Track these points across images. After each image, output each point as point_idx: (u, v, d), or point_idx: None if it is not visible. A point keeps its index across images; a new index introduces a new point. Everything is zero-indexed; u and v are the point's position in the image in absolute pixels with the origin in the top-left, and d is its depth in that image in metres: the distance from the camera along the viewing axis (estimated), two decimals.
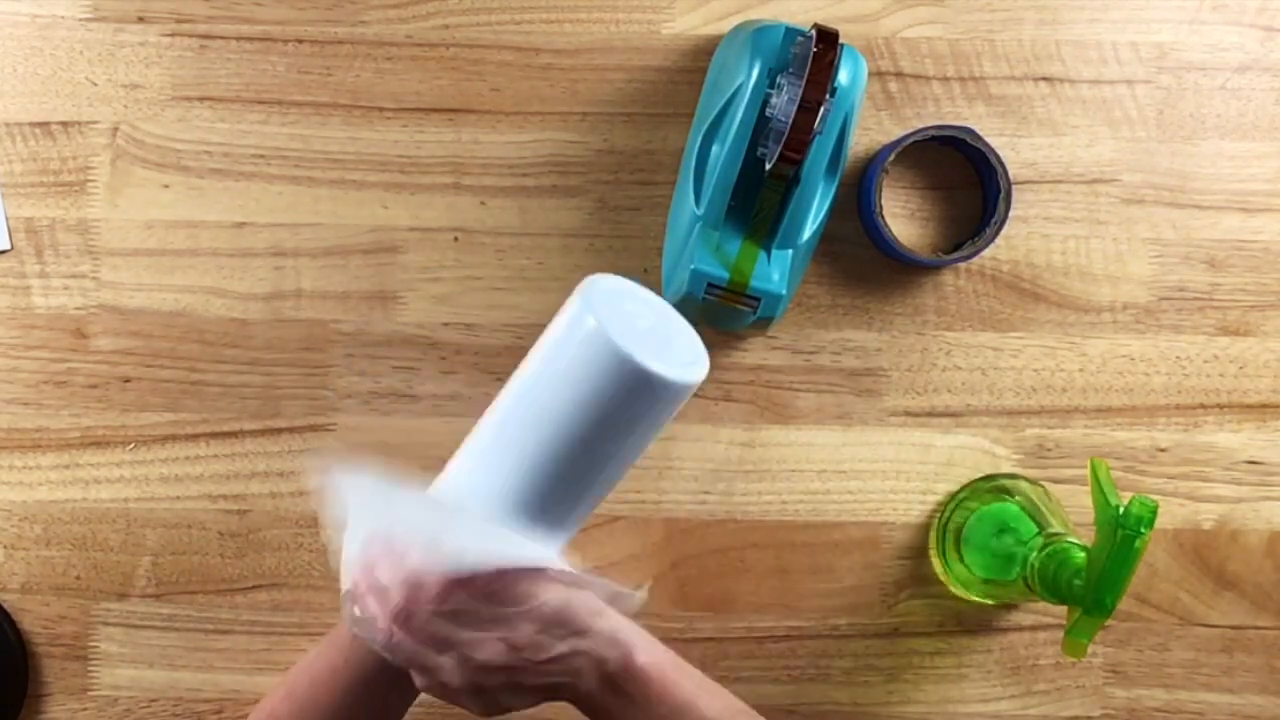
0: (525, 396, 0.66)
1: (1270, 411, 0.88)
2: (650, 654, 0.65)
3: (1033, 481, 0.87)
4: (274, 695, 0.72)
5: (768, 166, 0.76)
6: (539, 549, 0.65)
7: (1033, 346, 0.88)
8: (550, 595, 0.63)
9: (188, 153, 0.87)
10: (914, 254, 0.85)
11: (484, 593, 0.63)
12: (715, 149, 0.80)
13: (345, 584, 0.66)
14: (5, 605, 0.87)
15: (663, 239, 0.87)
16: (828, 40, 0.73)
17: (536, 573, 0.64)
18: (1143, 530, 0.70)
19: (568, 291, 0.87)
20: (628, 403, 0.63)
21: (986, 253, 0.86)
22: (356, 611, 0.64)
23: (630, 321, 0.65)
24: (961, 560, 0.85)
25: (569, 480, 0.65)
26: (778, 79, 0.75)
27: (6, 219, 0.87)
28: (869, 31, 0.88)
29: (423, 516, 0.65)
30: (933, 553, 0.87)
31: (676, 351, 0.66)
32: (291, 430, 0.87)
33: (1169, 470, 0.88)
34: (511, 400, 0.66)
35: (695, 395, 0.68)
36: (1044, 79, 0.88)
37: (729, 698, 0.68)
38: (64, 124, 0.87)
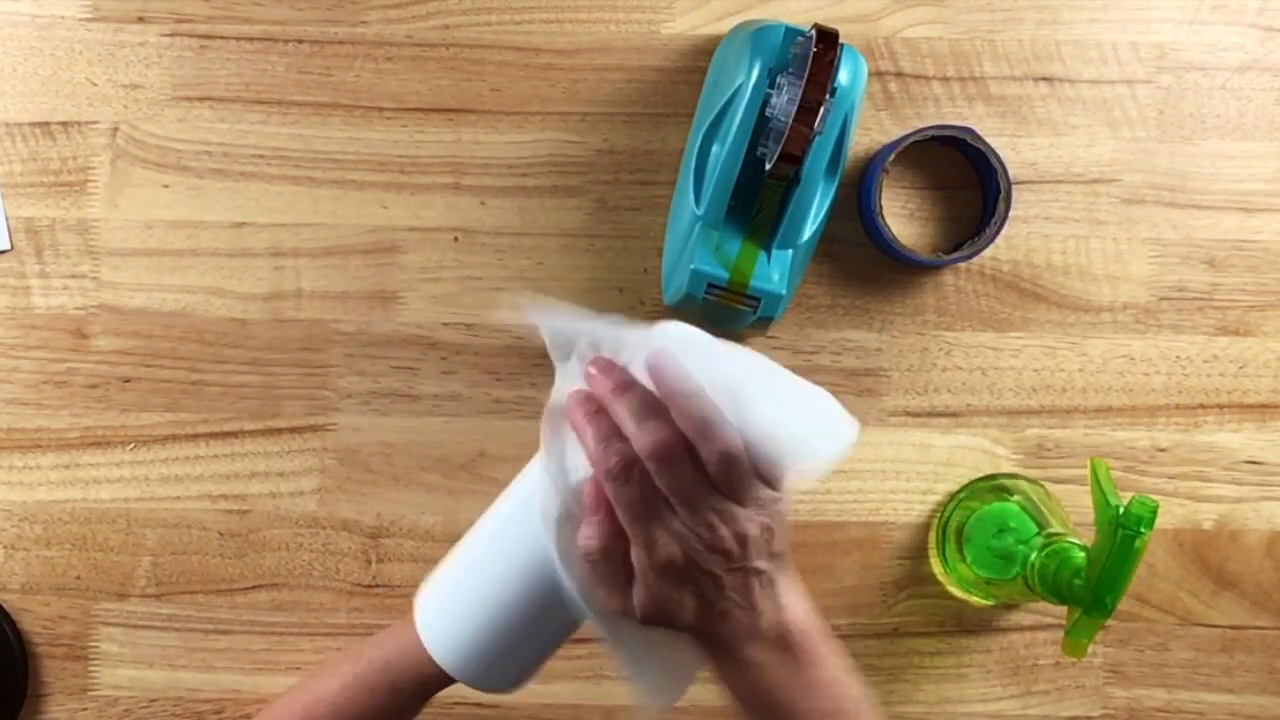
0: (489, 551, 0.65)
1: (1270, 411, 0.88)
2: (811, 615, 0.61)
3: (1033, 481, 0.87)
4: (288, 709, 0.70)
5: (768, 166, 0.76)
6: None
7: (1033, 346, 0.88)
8: (784, 500, 0.59)
9: (188, 153, 0.87)
10: (914, 254, 0.85)
11: (744, 473, 0.58)
12: (715, 149, 0.80)
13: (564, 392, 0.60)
14: (5, 605, 0.87)
15: (663, 239, 0.87)
16: (828, 40, 0.73)
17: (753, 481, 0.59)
18: (1143, 530, 0.70)
19: (568, 291, 0.88)
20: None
21: (986, 253, 0.86)
22: (581, 433, 0.58)
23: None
24: (962, 560, 0.85)
25: (519, 640, 0.64)
26: (778, 79, 0.75)
27: (6, 219, 0.87)
28: (869, 31, 0.88)
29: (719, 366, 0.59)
30: (933, 553, 0.87)
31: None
32: (291, 430, 0.87)
33: (1169, 470, 0.88)
34: (480, 548, 0.65)
35: None
36: (1044, 79, 0.88)
37: (863, 685, 0.64)
38: (64, 124, 0.87)
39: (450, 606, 0.66)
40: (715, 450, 0.57)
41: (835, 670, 0.61)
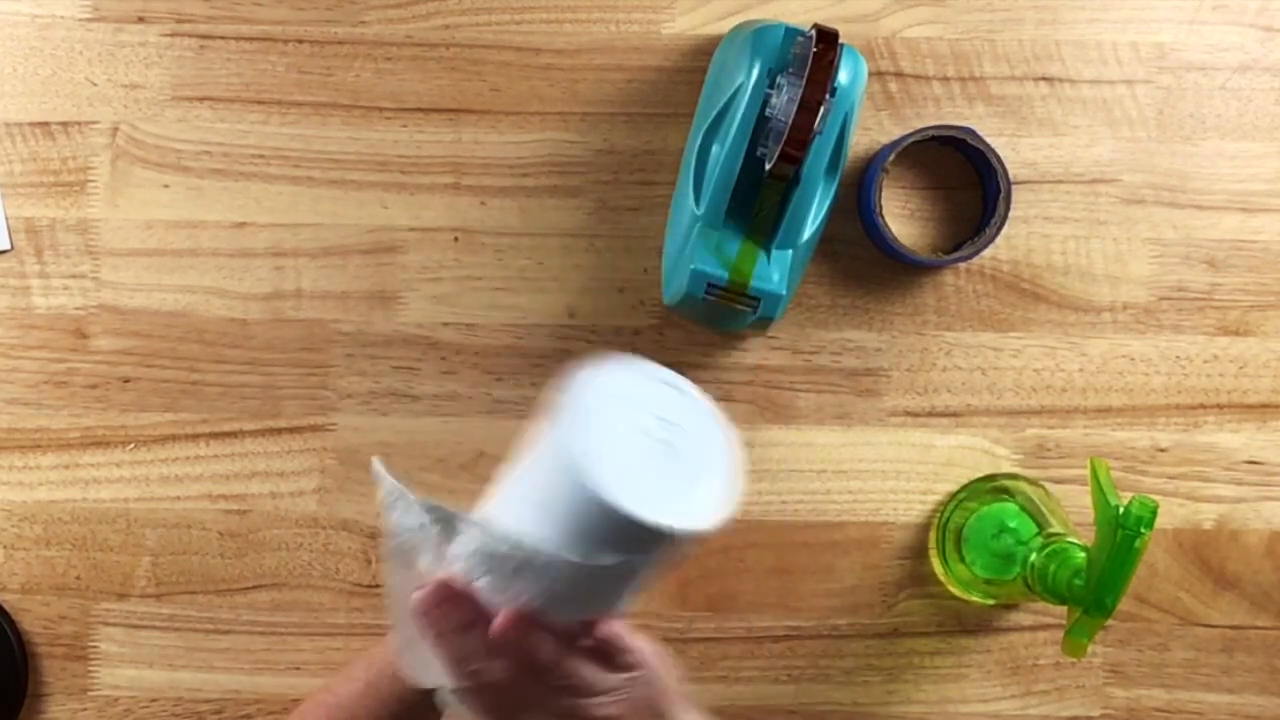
0: (509, 503, 0.56)
1: (1270, 411, 0.88)
2: None
3: (1033, 481, 0.87)
4: (313, 712, 0.70)
5: (768, 166, 0.76)
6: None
7: (1033, 346, 0.88)
8: (650, 670, 0.59)
9: (188, 153, 0.87)
10: (914, 254, 0.85)
11: (597, 651, 0.57)
12: (715, 149, 0.80)
13: (402, 605, 0.57)
14: (5, 605, 0.87)
15: (663, 239, 0.87)
16: (828, 40, 0.73)
17: (631, 644, 0.59)
18: (1143, 530, 0.70)
19: (568, 291, 0.88)
20: (603, 544, 0.51)
21: (986, 253, 0.86)
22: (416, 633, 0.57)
23: (627, 438, 0.52)
24: (961, 560, 0.85)
25: (565, 594, 0.55)
26: (778, 79, 0.75)
27: (6, 219, 0.87)
28: (869, 31, 0.88)
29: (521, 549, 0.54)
30: (933, 553, 0.87)
31: (686, 483, 0.53)
32: (291, 430, 0.87)
33: (1169, 470, 0.88)
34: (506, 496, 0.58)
35: None
36: (1044, 79, 0.88)
37: None
38: (64, 124, 0.87)
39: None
40: (537, 640, 0.55)
41: None
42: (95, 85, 0.87)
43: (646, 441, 0.52)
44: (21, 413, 0.87)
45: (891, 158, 0.85)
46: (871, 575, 0.88)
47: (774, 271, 0.80)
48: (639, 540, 0.51)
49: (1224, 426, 0.88)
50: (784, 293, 0.80)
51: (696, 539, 0.51)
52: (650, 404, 0.54)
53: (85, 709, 0.87)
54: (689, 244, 0.80)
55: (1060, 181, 0.88)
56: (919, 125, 0.86)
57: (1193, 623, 0.88)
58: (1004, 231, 0.85)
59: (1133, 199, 0.88)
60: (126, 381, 0.87)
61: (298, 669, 0.87)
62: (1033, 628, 0.88)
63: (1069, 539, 0.77)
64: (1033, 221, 0.88)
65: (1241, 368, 0.88)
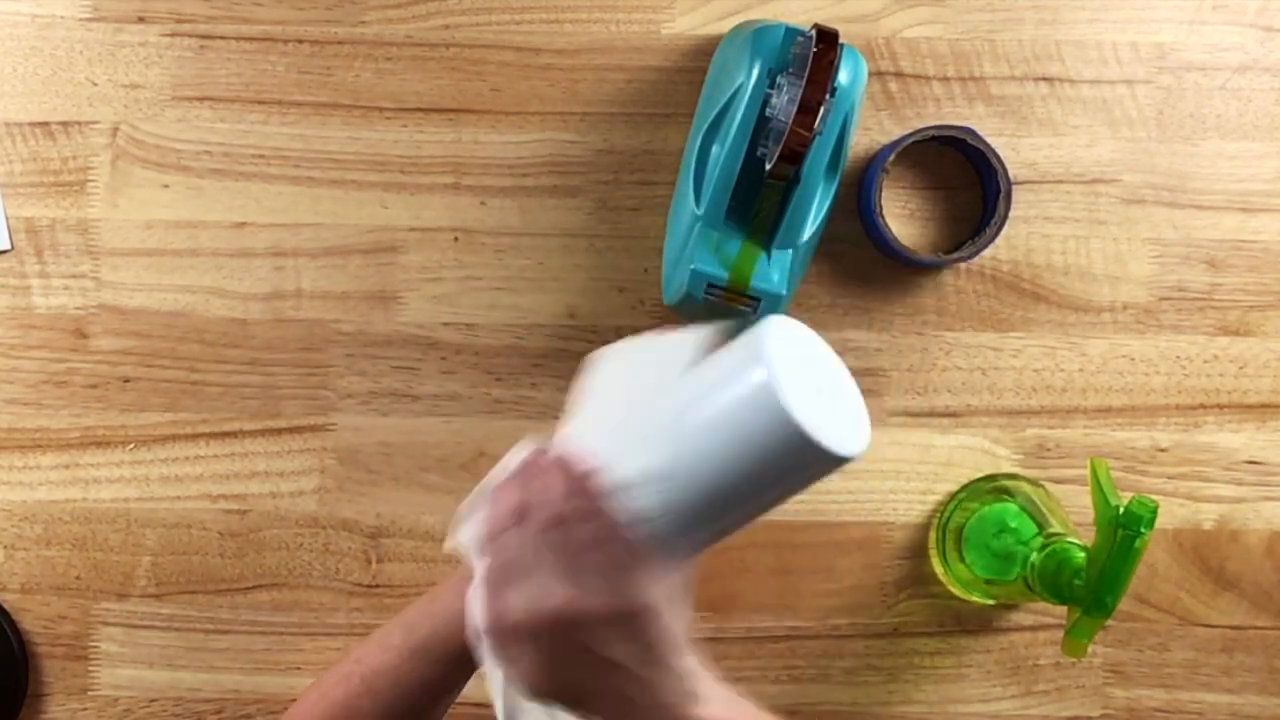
0: (676, 428, 0.59)
1: (1270, 411, 0.88)
2: (724, 714, 0.59)
3: (1033, 481, 0.87)
4: (344, 685, 0.69)
5: (768, 166, 0.76)
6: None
7: (1033, 346, 0.88)
8: (643, 592, 0.57)
9: (188, 153, 0.87)
10: (914, 254, 0.85)
11: (592, 542, 0.56)
12: (715, 149, 0.80)
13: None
14: (5, 605, 0.87)
15: (663, 239, 0.87)
16: (828, 40, 0.73)
17: (644, 559, 0.57)
18: (1143, 530, 0.70)
19: (568, 291, 0.88)
20: (784, 467, 0.57)
21: (986, 253, 0.86)
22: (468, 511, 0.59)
23: (802, 379, 0.58)
24: (961, 560, 0.85)
25: (701, 516, 0.59)
26: (778, 79, 0.75)
27: (6, 219, 0.87)
28: (869, 31, 0.88)
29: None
30: (933, 553, 0.87)
31: (843, 418, 0.59)
32: (291, 430, 0.87)
33: (1169, 470, 0.88)
34: (665, 413, 0.60)
35: None
36: (1044, 79, 0.88)
37: None
38: (64, 124, 0.87)
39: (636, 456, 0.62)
40: (583, 530, 0.56)
41: None
42: (95, 85, 0.87)
43: (810, 382, 0.59)
44: (21, 413, 0.87)
45: (891, 158, 0.85)
46: (871, 575, 0.88)
47: (774, 272, 0.80)
48: (808, 465, 0.57)
49: (1224, 426, 0.88)
50: (784, 293, 0.80)
51: (844, 463, 0.57)
52: (807, 353, 0.62)
53: (85, 709, 0.87)
54: (689, 244, 0.80)
55: (1060, 181, 0.88)
56: (919, 125, 0.86)
57: (1193, 623, 0.88)
58: (1004, 231, 0.85)
59: (1133, 199, 0.88)
60: (126, 381, 0.87)
61: (298, 669, 0.87)
62: (1033, 628, 0.88)
63: (1069, 539, 0.77)
64: (1033, 221, 0.88)
65: (1241, 368, 0.88)
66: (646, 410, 0.60)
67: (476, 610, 0.60)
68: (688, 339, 0.61)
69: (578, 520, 0.57)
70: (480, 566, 0.59)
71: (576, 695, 0.58)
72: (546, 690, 0.58)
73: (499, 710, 0.62)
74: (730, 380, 0.58)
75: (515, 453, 0.61)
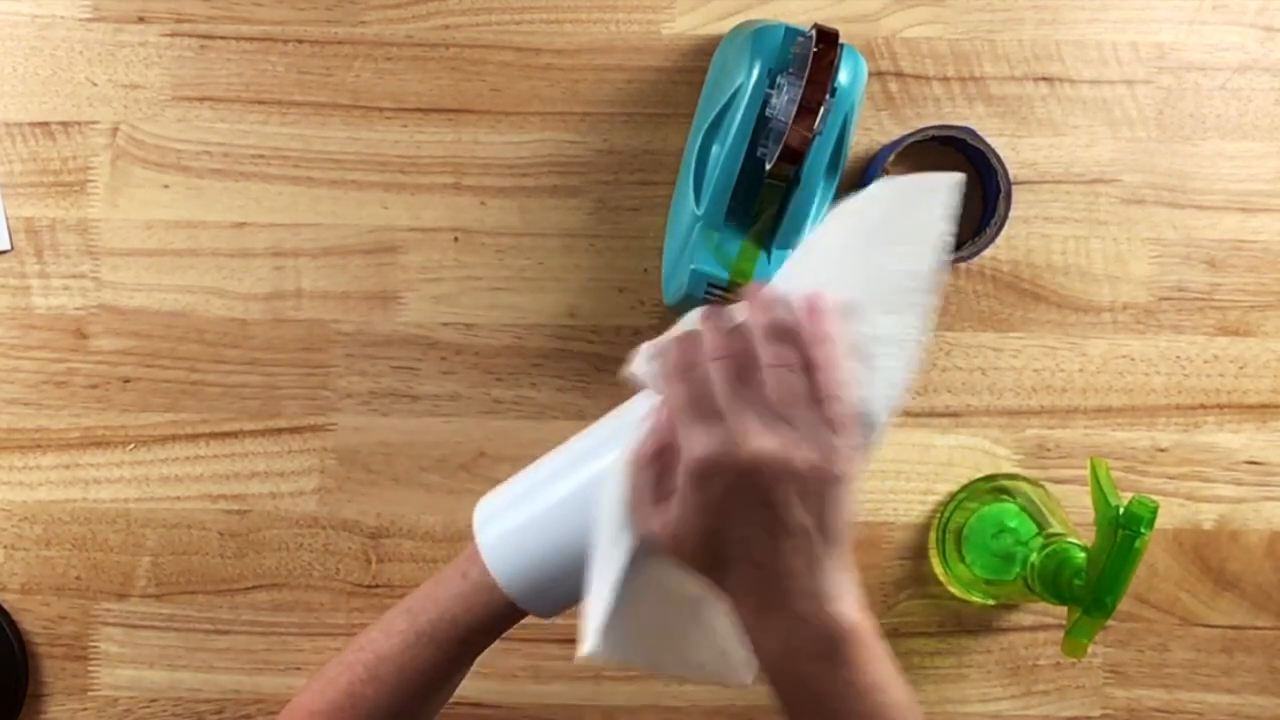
0: (908, 297, 0.56)
1: (1270, 411, 0.88)
2: (862, 619, 0.55)
3: (1033, 481, 0.87)
4: (348, 674, 0.68)
5: (768, 166, 0.76)
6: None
7: (1033, 346, 0.88)
8: (853, 462, 0.52)
9: (188, 153, 0.87)
10: None
11: (819, 394, 0.52)
12: (715, 149, 0.80)
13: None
14: (5, 605, 0.87)
15: (663, 239, 0.87)
16: (828, 40, 0.73)
17: (858, 431, 0.53)
18: (1143, 530, 0.70)
19: (568, 291, 0.88)
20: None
21: (986, 253, 0.86)
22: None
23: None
24: (961, 560, 0.85)
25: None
26: (778, 79, 0.75)
27: (6, 219, 0.87)
28: (869, 31, 0.88)
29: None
30: (933, 553, 0.87)
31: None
32: (291, 430, 0.87)
33: (1169, 470, 0.88)
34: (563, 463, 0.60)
35: None
36: (1044, 79, 0.88)
37: (909, 691, 0.59)
38: (64, 124, 0.87)
39: (523, 530, 0.62)
40: (830, 384, 0.52)
41: (879, 674, 0.55)
42: (95, 85, 0.87)
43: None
44: (21, 413, 0.87)
45: (891, 158, 0.85)
46: (871, 575, 0.88)
47: (774, 271, 0.80)
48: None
49: (1224, 426, 0.88)
50: None
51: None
52: None
53: (85, 709, 0.87)
54: (689, 244, 0.80)
55: (1060, 181, 0.88)
56: (919, 125, 0.86)
57: (1193, 623, 0.88)
58: (1004, 231, 0.85)
59: (1133, 199, 0.88)
60: (126, 381, 0.87)
61: (298, 669, 0.87)
62: (1033, 628, 0.88)
63: (1069, 539, 0.77)
64: (1033, 221, 0.88)
65: (1241, 368, 0.88)
66: (877, 274, 0.56)
67: (645, 440, 0.54)
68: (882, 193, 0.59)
69: (802, 369, 0.52)
70: (668, 392, 0.53)
71: (727, 557, 0.53)
72: (700, 545, 0.53)
73: (610, 568, 0.56)
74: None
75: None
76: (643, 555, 0.56)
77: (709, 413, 0.52)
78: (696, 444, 0.52)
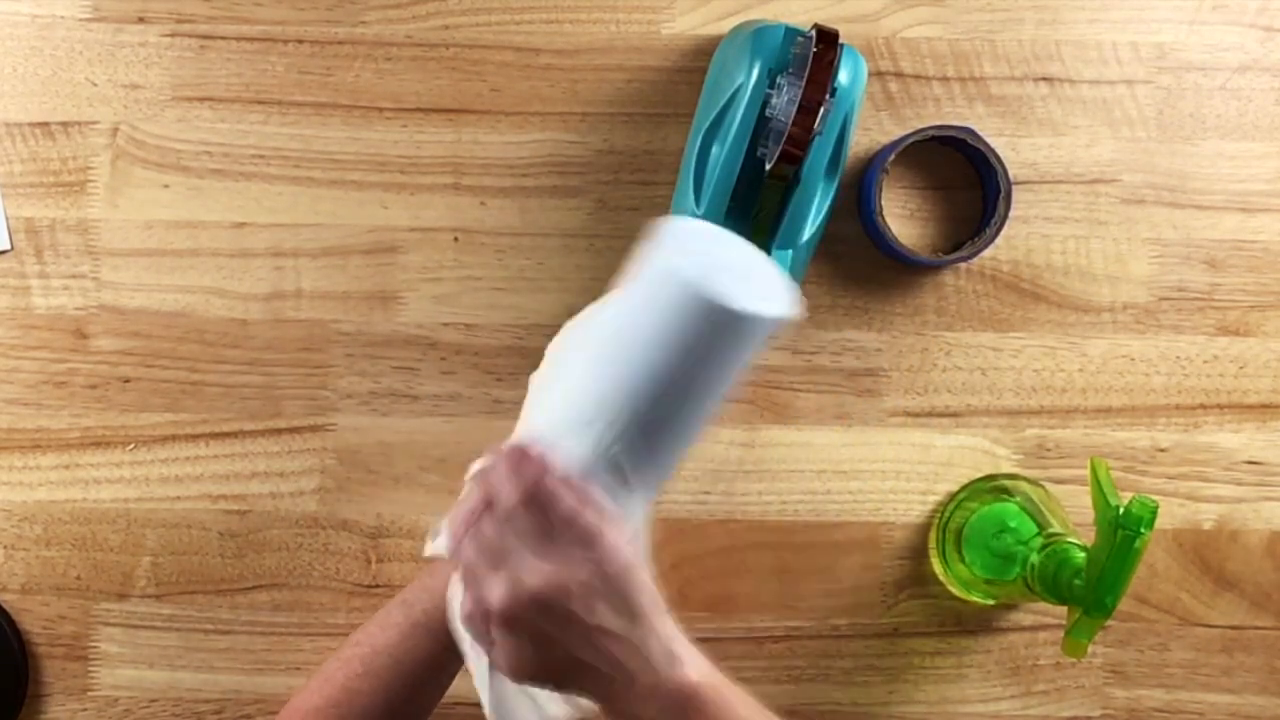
0: (606, 342, 0.62)
1: (1270, 411, 0.88)
2: (705, 673, 0.59)
3: (1033, 481, 0.87)
4: (345, 669, 0.69)
5: (768, 166, 0.76)
6: (633, 498, 0.61)
7: (1033, 346, 0.88)
8: (622, 553, 0.58)
9: (188, 153, 0.87)
10: (914, 254, 0.85)
11: (562, 517, 0.58)
12: (715, 149, 0.80)
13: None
14: (5, 605, 0.87)
15: None
16: (828, 40, 0.73)
17: (615, 523, 0.59)
18: (1143, 530, 0.70)
19: (568, 291, 0.88)
20: (711, 342, 0.59)
21: (986, 253, 0.86)
22: (443, 523, 0.61)
23: (712, 260, 0.62)
24: (961, 560, 0.85)
25: (655, 429, 0.61)
26: (778, 79, 0.75)
27: (6, 219, 0.87)
28: (869, 31, 0.88)
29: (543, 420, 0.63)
30: (933, 553, 0.87)
31: (758, 288, 0.62)
32: (291, 430, 0.87)
33: (1169, 470, 0.88)
34: (592, 345, 0.63)
35: None
36: (1044, 79, 0.88)
37: None
38: (64, 124, 0.87)
39: (577, 404, 0.64)
40: (509, 497, 0.59)
41: (749, 713, 0.60)
42: (95, 85, 0.87)
43: (714, 261, 0.62)
44: (21, 413, 0.87)
45: (891, 158, 0.85)
46: (871, 575, 0.88)
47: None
48: (739, 334, 0.60)
49: (1224, 426, 0.88)
50: None
51: (781, 325, 0.61)
52: (706, 241, 0.65)
53: (85, 709, 0.87)
54: None
55: (1060, 181, 0.88)
56: (919, 125, 0.86)
57: (1193, 623, 0.88)
58: (1004, 231, 0.85)
59: (1133, 199, 0.88)
60: (126, 381, 0.87)
61: (298, 669, 0.87)
62: (1033, 628, 0.88)
63: (1069, 539, 0.77)
64: (1033, 221, 0.88)
65: (1241, 368, 0.88)
66: (574, 358, 0.64)
67: (457, 605, 0.60)
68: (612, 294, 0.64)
69: (541, 500, 0.58)
70: (458, 562, 0.60)
71: (564, 671, 0.59)
72: (535, 672, 0.59)
73: (485, 703, 0.63)
74: (635, 283, 0.61)
75: (479, 463, 0.63)
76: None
77: (491, 565, 0.58)
78: (491, 596, 0.58)
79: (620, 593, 0.58)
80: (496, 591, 0.57)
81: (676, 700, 0.58)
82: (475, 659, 0.63)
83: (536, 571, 0.57)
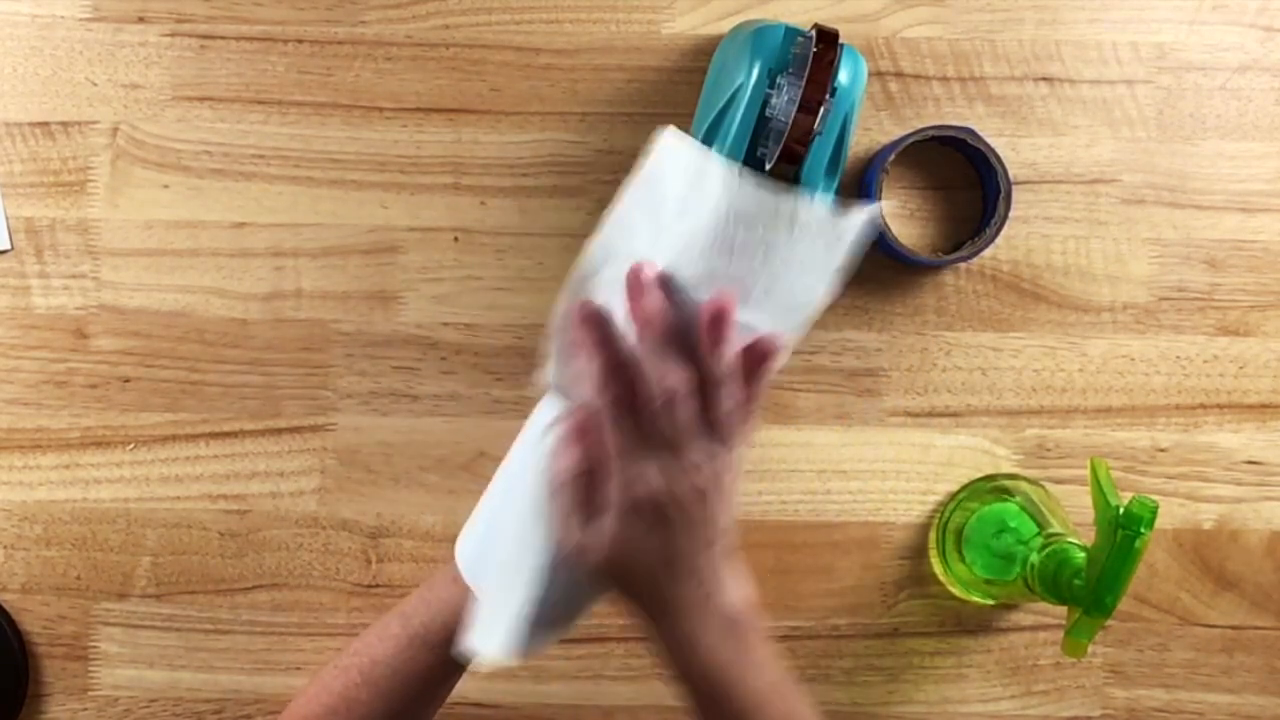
0: (516, 482, 0.63)
1: (1270, 411, 0.88)
2: (750, 600, 0.61)
3: (1033, 481, 0.87)
4: (343, 678, 0.69)
5: (768, 167, 0.76)
6: None
7: (1033, 346, 0.88)
8: (739, 463, 0.60)
9: (188, 153, 0.87)
10: (914, 254, 0.85)
11: (724, 415, 0.58)
12: (715, 149, 0.80)
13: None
14: (5, 605, 0.87)
15: None
16: (828, 40, 0.73)
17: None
18: (1143, 530, 0.70)
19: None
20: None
21: (986, 253, 0.86)
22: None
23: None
24: (961, 560, 0.85)
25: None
26: (778, 79, 0.75)
27: (6, 219, 0.87)
28: (869, 31, 0.88)
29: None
30: (933, 553, 0.87)
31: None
32: (291, 430, 0.87)
33: (1169, 470, 0.88)
34: (504, 482, 0.64)
35: None
36: (1044, 79, 0.88)
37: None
38: (64, 124, 0.87)
39: (488, 546, 0.65)
40: (726, 401, 0.58)
41: (769, 651, 0.61)
42: (95, 85, 0.87)
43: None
44: (21, 413, 0.87)
45: (891, 158, 0.85)
46: (871, 575, 0.88)
47: None
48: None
49: (1224, 426, 0.88)
50: None
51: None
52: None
53: (85, 709, 0.87)
54: None
55: (1060, 181, 0.88)
56: (919, 125, 0.86)
57: (1193, 623, 0.88)
58: (1004, 231, 0.85)
59: (1133, 199, 0.88)
60: (126, 381, 0.87)
61: (298, 669, 0.87)
62: (1033, 628, 0.88)
63: (1069, 539, 0.77)
64: (1033, 221, 0.88)
65: (1241, 368, 0.88)
66: (781, 292, 0.61)
67: (566, 457, 0.58)
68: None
69: (711, 390, 0.58)
70: (613, 424, 0.58)
71: (655, 572, 0.59)
72: (629, 562, 0.58)
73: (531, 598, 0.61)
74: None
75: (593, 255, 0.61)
76: (561, 566, 0.61)
77: (650, 450, 0.58)
78: (648, 479, 0.57)
79: (729, 505, 0.59)
80: (655, 477, 0.57)
81: (736, 622, 0.60)
82: (531, 526, 0.61)
83: (694, 471, 0.57)
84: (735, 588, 0.60)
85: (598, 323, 0.59)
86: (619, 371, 0.58)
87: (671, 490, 0.57)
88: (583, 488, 0.59)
